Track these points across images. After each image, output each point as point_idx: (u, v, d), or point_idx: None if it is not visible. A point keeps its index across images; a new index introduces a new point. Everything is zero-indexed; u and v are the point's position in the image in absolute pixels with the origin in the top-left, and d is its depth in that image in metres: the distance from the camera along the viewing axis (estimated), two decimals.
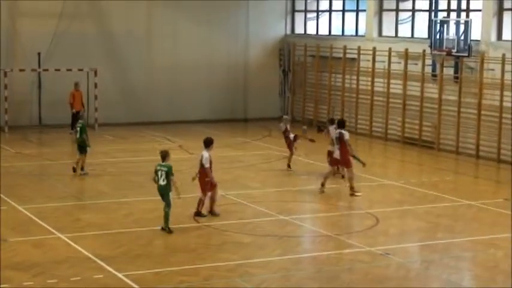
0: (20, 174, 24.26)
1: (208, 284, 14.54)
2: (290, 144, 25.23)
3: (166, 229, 17.78)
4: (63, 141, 30.87)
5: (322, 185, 22.17)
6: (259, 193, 21.99)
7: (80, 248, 16.50)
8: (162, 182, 17.71)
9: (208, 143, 19.02)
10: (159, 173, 17.70)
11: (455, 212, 20.47)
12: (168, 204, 17.77)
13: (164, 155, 17.90)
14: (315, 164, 26.03)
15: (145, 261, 15.71)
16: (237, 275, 15.00)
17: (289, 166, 25.21)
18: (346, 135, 22.18)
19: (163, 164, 17.82)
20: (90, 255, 15.98)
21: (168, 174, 17.63)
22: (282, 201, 21.33)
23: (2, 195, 20.91)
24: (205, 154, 18.83)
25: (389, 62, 31.61)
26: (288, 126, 25.40)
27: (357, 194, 21.78)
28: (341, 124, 22.67)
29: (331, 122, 24.86)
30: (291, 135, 25.23)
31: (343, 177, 23.59)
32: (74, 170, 24.11)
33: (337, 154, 22.22)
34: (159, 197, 17.95)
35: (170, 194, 17.81)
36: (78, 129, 24.17)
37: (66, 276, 14.73)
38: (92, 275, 14.82)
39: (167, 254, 16.40)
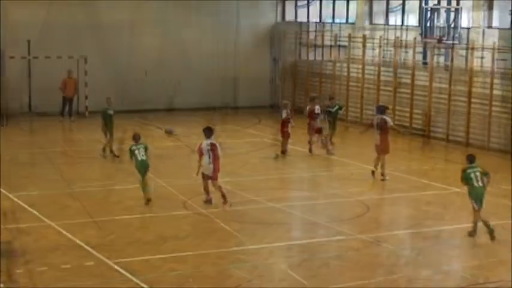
0: (11, 162, 24.16)
1: (199, 271, 14.56)
2: (285, 131, 25.19)
3: (150, 199, 19.11)
4: (53, 128, 30.82)
5: (373, 173, 22.11)
6: (248, 181, 21.99)
7: (70, 236, 16.50)
8: (143, 157, 19.39)
9: (211, 132, 19.14)
10: (137, 151, 19.43)
11: (445, 200, 20.52)
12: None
13: (138, 137, 19.82)
14: (304, 151, 26.05)
15: (136, 249, 15.73)
16: (228, 262, 15.04)
17: (282, 152, 25.23)
18: (390, 121, 22.08)
19: (139, 143, 19.52)
20: (81, 243, 15.99)
21: (146, 149, 19.52)
22: (271, 189, 21.35)
23: None
24: (217, 144, 19.07)
25: (380, 50, 31.59)
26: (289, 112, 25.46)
27: (386, 178, 22.03)
28: (382, 110, 22.52)
29: (312, 99, 25.36)
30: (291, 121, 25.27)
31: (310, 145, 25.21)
32: (111, 152, 24.87)
33: (377, 140, 22.13)
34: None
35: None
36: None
37: (56, 264, 14.74)
38: (83, 262, 14.84)
39: (157, 241, 16.41)
